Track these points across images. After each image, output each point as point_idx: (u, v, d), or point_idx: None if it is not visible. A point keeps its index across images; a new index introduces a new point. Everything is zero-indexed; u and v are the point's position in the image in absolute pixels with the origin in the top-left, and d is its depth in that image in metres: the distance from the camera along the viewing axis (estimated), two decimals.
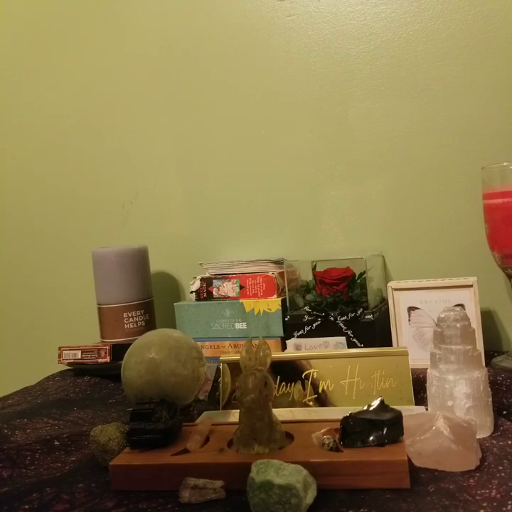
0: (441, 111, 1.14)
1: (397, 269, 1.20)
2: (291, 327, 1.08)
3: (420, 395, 0.85)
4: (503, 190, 0.95)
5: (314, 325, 1.05)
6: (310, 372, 0.86)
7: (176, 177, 1.37)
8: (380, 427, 0.62)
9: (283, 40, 1.25)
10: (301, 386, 0.86)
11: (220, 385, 0.89)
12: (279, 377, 0.86)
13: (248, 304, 1.14)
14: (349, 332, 1.02)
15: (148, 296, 1.25)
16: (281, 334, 1.11)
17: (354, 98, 1.21)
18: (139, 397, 0.77)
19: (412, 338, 1.03)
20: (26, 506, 0.61)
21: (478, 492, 0.57)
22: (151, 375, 0.79)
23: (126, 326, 1.21)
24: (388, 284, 1.05)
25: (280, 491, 0.54)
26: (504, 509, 0.53)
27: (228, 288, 1.17)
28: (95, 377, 1.13)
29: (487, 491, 0.57)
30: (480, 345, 0.95)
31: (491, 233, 0.99)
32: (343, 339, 1.00)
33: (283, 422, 0.69)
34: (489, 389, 0.73)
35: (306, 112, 1.25)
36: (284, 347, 1.09)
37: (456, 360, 0.71)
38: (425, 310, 1.02)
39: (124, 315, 1.21)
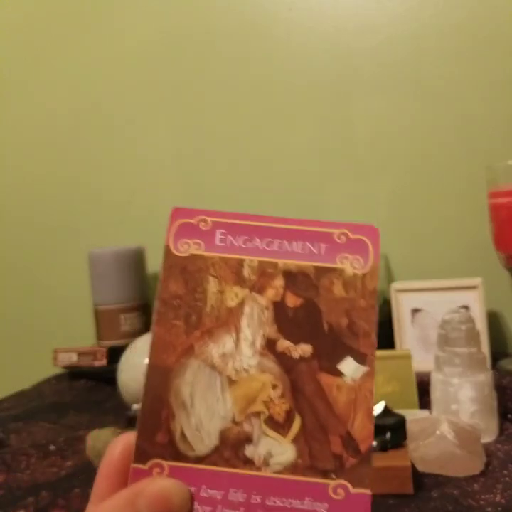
0: (446, 109, 1.13)
1: (400, 270, 1.19)
2: None
3: (424, 399, 0.84)
4: (508, 189, 0.94)
5: None
6: None
7: (174, 176, 1.36)
8: (383, 431, 0.61)
9: (283, 35, 1.24)
10: None
11: None
12: None
13: None
14: None
15: (145, 297, 1.24)
16: None
17: (356, 95, 1.20)
18: (136, 401, 0.76)
19: (415, 341, 1.02)
20: (21, 511, 0.61)
21: (483, 497, 0.57)
22: None
23: (122, 328, 1.20)
24: (391, 285, 1.04)
25: None
26: None
27: None
28: (91, 381, 1.12)
29: (491, 495, 0.57)
30: (485, 348, 0.94)
31: (496, 233, 0.98)
32: None
33: None
34: (494, 392, 0.72)
35: (307, 109, 1.24)
36: None
37: (461, 363, 0.71)
38: (429, 312, 1.01)
39: (121, 316, 1.20)
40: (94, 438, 0.71)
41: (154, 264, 1.33)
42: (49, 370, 1.20)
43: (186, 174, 1.35)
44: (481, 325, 0.95)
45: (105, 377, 1.10)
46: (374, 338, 0.32)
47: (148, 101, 1.37)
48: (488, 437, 0.69)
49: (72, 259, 1.44)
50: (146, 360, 0.79)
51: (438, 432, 0.63)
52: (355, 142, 1.21)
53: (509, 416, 0.77)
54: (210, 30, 1.30)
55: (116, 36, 1.39)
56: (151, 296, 1.27)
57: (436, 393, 0.73)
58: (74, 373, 1.16)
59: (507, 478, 0.59)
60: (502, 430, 0.72)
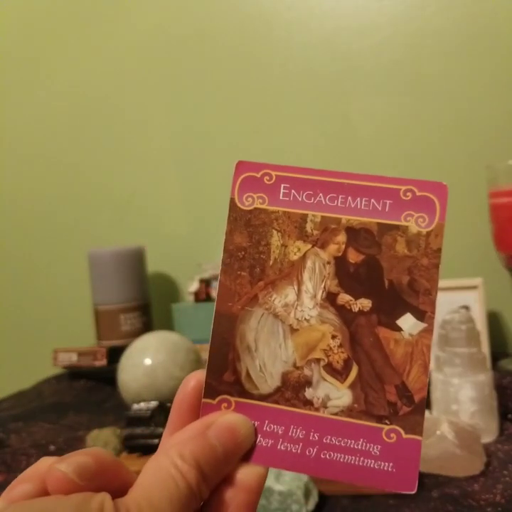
0: (446, 108, 1.13)
1: None
2: None
3: None
4: (509, 189, 0.94)
5: None
6: None
7: (174, 175, 1.35)
8: None
9: (283, 35, 1.24)
10: None
11: None
12: None
13: None
14: None
15: (145, 297, 1.24)
16: None
17: (356, 95, 1.19)
18: (136, 401, 0.76)
19: None
20: None
21: (483, 497, 0.57)
22: (148, 379, 0.78)
23: (122, 328, 1.19)
24: None
25: (280, 498, 0.53)
26: None
27: None
28: (91, 381, 1.12)
29: (491, 495, 0.57)
30: (485, 348, 0.93)
31: (496, 233, 0.97)
32: None
33: None
34: (494, 392, 0.72)
35: (306, 109, 1.23)
36: None
37: (461, 363, 0.70)
38: None
39: (121, 316, 1.19)
40: (94, 438, 0.71)
41: (154, 263, 1.33)
42: (49, 370, 1.20)
43: (186, 174, 1.35)
44: (481, 325, 0.95)
45: (105, 377, 1.10)
46: (434, 296, 0.32)
47: (148, 101, 1.36)
48: (488, 437, 0.69)
49: (72, 259, 1.44)
50: (148, 361, 0.78)
51: (438, 432, 0.62)
52: (354, 141, 1.20)
53: (509, 416, 0.76)
54: (209, 29, 1.30)
55: (116, 36, 1.38)
56: (151, 296, 1.27)
57: (436, 393, 0.72)
58: (74, 373, 1.15)
59: (507, 478, 0.59)
60: (502, 430, 0.72)
